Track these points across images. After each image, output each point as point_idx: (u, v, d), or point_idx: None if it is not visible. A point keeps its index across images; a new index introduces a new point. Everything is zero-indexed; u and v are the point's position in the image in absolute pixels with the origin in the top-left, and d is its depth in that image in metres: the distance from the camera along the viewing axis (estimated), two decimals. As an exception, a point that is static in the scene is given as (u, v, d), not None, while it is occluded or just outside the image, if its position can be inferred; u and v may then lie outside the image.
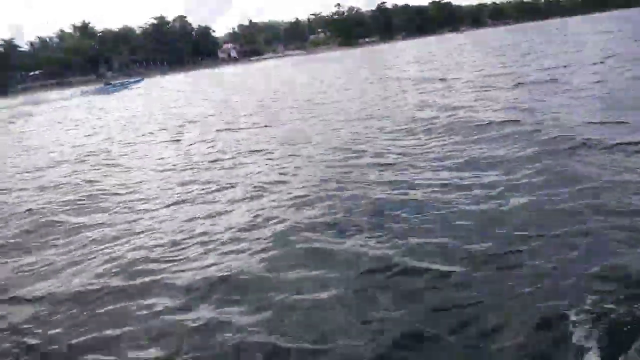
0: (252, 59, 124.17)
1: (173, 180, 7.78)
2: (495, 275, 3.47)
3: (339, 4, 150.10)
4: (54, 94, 58.89)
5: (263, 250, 4.38)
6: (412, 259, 3.83)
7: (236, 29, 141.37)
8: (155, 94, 38.03)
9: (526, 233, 4.00)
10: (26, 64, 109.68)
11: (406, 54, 45.59)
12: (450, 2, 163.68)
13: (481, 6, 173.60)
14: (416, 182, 5.79)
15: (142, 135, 14.42)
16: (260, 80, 35.29)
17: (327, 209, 5.18)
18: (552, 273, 3.35)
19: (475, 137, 7.84)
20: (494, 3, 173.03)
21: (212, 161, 8.92)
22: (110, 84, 52.02)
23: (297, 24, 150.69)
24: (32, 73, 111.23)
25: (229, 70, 75.02)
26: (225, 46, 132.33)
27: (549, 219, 4.23)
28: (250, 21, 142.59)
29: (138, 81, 52.55)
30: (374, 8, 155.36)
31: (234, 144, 10.43)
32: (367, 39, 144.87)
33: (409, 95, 14.62)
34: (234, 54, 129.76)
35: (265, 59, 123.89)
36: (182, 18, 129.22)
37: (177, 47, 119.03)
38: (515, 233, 4.05)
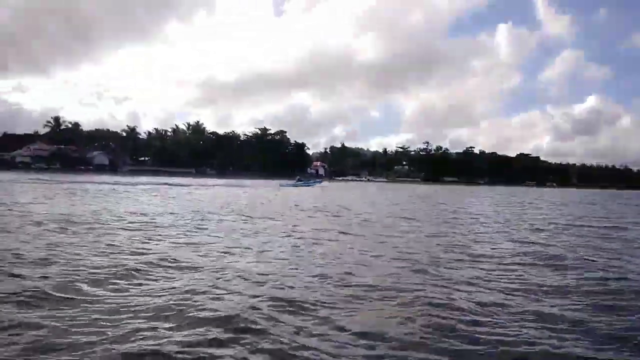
0: (337, 178, 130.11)
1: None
2: None
3: (427, 142, 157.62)
4: (261, 182, 73.80)
5: None
6: None
7: (327, 150, 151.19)
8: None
9: None
10: (139, 149, 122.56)
11: (494, 199, 45.28)
12: (538, 157, 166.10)
13: (569, 166, 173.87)
14: None
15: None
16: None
17: None
18: None
19: None
20: (583, 165, 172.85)
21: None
22: (302, 180, 67.82)
23: (384, 154, 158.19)
24: (142, 158, 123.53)
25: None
26: (315, 163, 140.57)
27: None
28: (343, 144, 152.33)
29: (320, 181, 69.41)
30: (460, 151, 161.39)
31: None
32: (449, 178, 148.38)
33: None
34: (321, 171, 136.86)
35: (349, 180, 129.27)
36: (282, 132, 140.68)
37: (272, 158, 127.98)
38: None
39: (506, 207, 30.30)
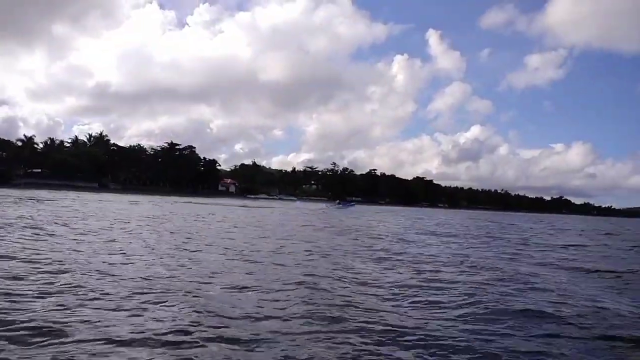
0: (249, 196, 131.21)
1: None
2: None
3: (334, 163, 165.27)
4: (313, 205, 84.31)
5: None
6: None
7: (238, 167, 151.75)
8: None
9: None
10: (35, 160, 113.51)
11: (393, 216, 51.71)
12: (431, 180, 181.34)
13: (458, 189, 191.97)
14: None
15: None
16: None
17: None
18: None
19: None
20: (470, 189, 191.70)
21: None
22: (341, 204, 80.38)
23: (293, 173, 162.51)
24: (37, 170, 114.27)
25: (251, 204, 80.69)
26: (225, 180, 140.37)
27: None
28: (254, 162, 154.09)
29: (354, 205, 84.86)
30: (364, 172, 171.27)
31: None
32: (354, 198, 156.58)
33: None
34: (232, 189, 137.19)
35: (260, 198, 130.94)
36: (191, 147, 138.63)
37: (181, 173, 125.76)
38: None
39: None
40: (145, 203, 50.71)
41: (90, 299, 6.61)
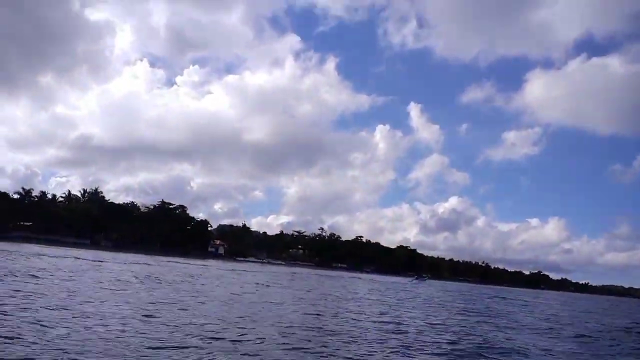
0: (238, 258, 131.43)
1: None
2: None
3: (322, 228, 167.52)
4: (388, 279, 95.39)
5: None
6: None
7: (227, 228, 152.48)
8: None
9: None
10: (24, 213, 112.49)
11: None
12: (415, 249, 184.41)
13: (440, 260, 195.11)
14: None
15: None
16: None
17: None
18: None
19: None
20: (451, 259, 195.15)
21: None
22: (417, 279, 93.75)
23: (281, 237, 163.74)
24: (27, 223, 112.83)
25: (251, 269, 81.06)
26: (215, 241, 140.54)
27: None
28: (244, 224, 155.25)
29: (426, 279, 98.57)
30: (349, 239, 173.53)
31: None
32: (340, 265, 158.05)
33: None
34: (221, 250, 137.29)
35: (248, 261, 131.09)
36: (182, 207, 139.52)
37: (173, 233, 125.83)
38: None
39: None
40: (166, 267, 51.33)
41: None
